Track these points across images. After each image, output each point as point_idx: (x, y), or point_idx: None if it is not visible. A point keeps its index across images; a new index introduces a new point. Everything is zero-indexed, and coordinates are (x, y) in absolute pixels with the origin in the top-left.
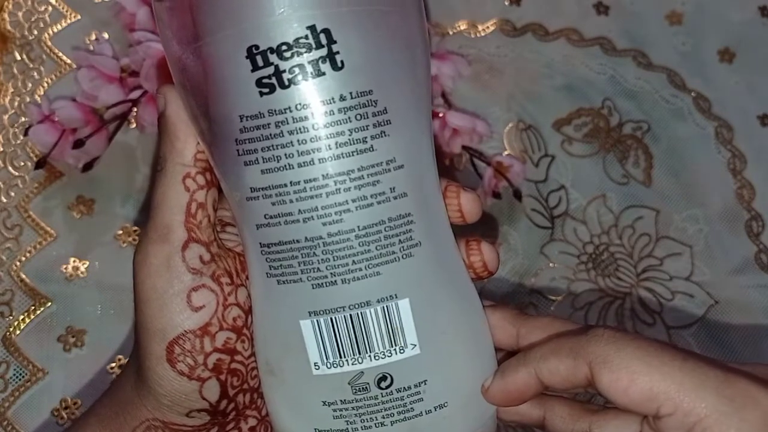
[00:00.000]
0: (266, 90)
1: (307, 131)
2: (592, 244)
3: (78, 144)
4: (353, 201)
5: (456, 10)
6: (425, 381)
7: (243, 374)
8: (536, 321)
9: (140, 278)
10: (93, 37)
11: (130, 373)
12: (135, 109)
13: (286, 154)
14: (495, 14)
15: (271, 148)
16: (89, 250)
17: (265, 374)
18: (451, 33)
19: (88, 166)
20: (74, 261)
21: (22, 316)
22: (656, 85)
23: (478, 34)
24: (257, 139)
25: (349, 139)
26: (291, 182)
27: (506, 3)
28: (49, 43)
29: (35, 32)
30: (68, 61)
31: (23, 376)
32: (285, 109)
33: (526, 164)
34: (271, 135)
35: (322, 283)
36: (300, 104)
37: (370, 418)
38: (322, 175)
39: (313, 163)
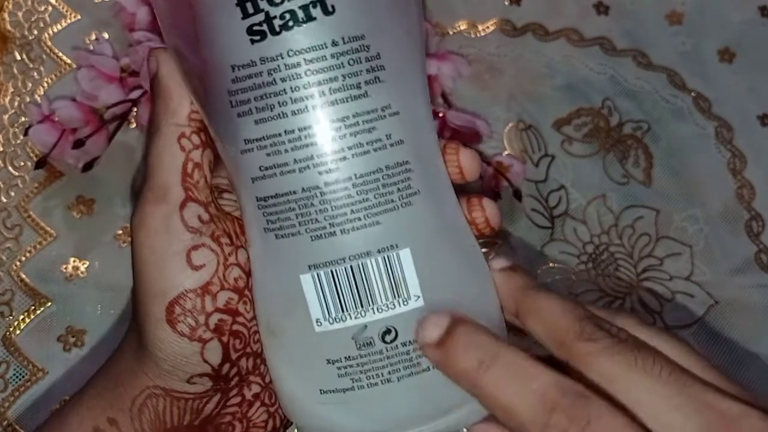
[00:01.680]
0: (257, 37)
1: (300, 78)
2: (592, 244)
3: (78, 144)
4: (349, 148)
5: (456, 10)
6: None
7: (245, 337)
8: (534, 304)
9: (139, 240)
10: (93, 37)
11: (130, 343)
12: (135, 109)
13: (279, 102)
14: (495, 14)
15: (264, 97)
16: (89, 250)
17: (267, 336)
18: (451, 33)
19: (88, 166)
20: (74, 261)
21: (22, 316)
22: (656, 85)
23: (478, 34)
24: (250, 89)
25: (342, 85)
26: (285, 131)
27: (506, 3)
28: (49, 43)
29: (35, 32)
30: (68, 61)
31: (23, 376)
32: (277, 56)
33: (526, 164)
34: (263, 83)
35: (320, 235)
36: (291, 50)
37: (377, 374)
38: (317, 123)
39: (307, 110)
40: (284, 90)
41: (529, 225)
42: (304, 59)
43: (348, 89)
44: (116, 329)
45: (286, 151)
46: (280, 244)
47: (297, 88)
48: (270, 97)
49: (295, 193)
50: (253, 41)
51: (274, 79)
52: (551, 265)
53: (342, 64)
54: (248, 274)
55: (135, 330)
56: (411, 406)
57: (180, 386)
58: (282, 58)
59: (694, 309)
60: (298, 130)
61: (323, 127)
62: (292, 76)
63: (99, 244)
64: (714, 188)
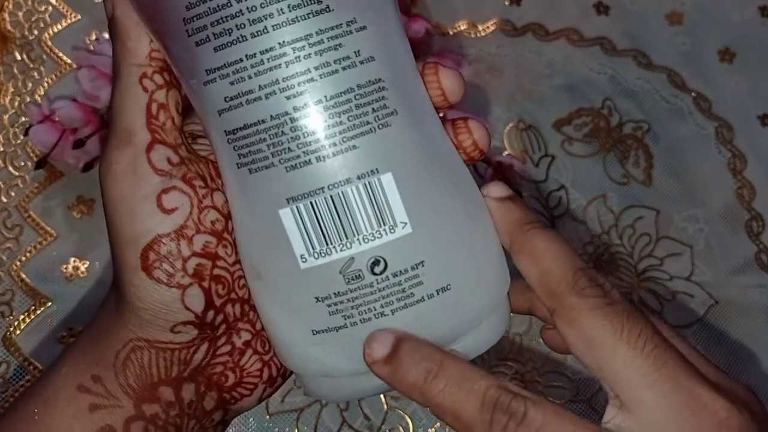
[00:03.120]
0: None
1: None
2: (592, 244)
3: (78, 144)
4: (316, 69)
5: (456, 10)
6: (422, 262)
7: (228, 282)
8: (530, 242)
9: (106, 187)
10: (93, 36)
11: (110, 300)
12: None
13: (237, 25)
14: (495, 14)
15: (220, 21)
16: (89, 249)
17: (252, 279)
18: (451, 33)
19: (88, 166)
20: (74, 261)
21: (22, 316)
22: (656, 85)
23: (478, 34)
24: (205, 14)
25: (302, 1)
26: (247, 56)
27: (506, 3)
28: (50, 43)
29: (35, 32)
30: (68, 60)
31: (23, 376)
32: None
33: (526, 164)
34: (218, 6)
35: (295, 164)
36: None
37: (369, 309)
38: (279, 44)
39: (267, 31)
40: (240, 11)
41: None
42: None
43: (308, 4)
44: None
45: (250, 77)
46: (254, 179)
47: (254, 8)
48: (227, 20)
49: (264, 122)
50: None
51: (229, 1)
52: None
53: None
54: (226, 217)
55: (115, 287)
56: None
57: (164, 336)
58: None
59: (694, 309)
60: (260, 53)
61: (286, 47)
62: None
63: (99, 244)
64: (714, 188)
